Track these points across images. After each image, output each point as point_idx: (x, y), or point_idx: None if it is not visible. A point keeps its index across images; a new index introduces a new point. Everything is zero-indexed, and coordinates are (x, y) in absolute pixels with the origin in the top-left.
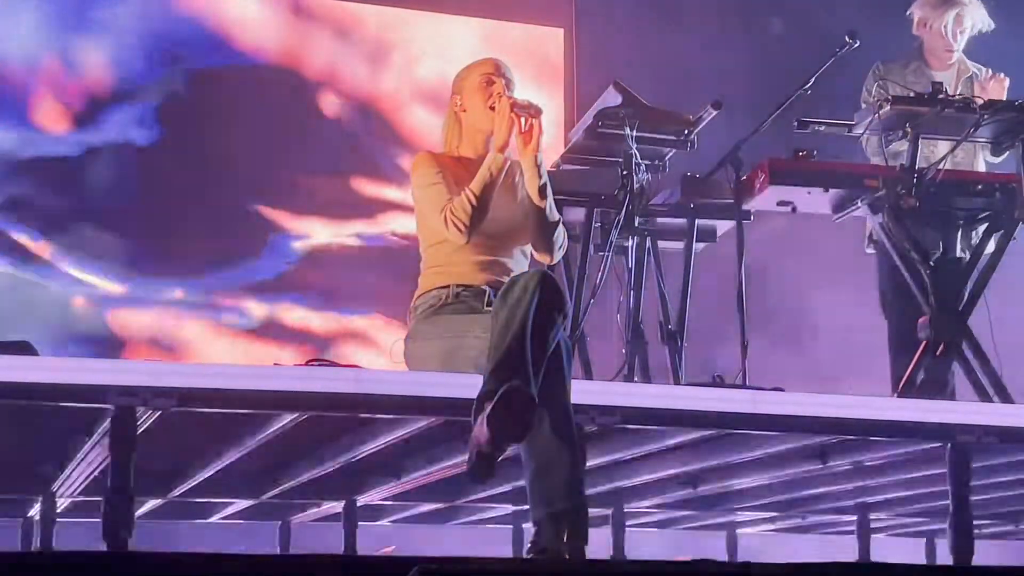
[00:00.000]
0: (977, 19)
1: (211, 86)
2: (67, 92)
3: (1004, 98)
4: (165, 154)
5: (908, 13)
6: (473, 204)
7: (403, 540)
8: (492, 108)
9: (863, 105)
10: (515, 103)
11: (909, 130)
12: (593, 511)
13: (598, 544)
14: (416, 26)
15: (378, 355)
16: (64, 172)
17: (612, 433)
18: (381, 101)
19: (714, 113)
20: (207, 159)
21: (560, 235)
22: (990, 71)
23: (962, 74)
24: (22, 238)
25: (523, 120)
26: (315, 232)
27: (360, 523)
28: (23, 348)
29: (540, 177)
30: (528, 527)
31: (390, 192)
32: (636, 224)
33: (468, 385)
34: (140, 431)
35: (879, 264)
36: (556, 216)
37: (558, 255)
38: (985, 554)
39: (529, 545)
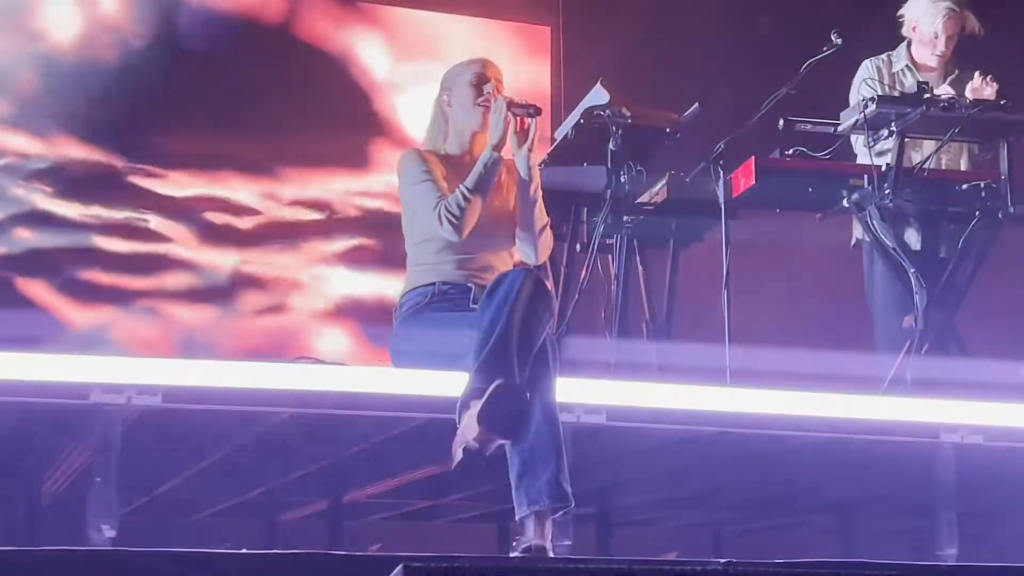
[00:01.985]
0: (967, 24)
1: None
2: None
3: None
4: None
5: (898, 15)
6: (469, 200)
7: (388, 538)
8: (484, 107)
9: (851, 104)
10: (512, 102)
11: (894, 129)
12: (578, 509)
13: (584, 542)
14: (403, 23)
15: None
16: None
17: (597, 431)
18: (365, 94)
19: (700, 111)
20: None
21: (547, 237)
22: (978, 74)
23: (949, 74)
24: None
25: (518, 119)
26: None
27: (345, 521)
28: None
29: (532, 178)
30: (514, 525)
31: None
32: (622, 222)
33: (454, 383)
34: (124, 428)
35: (865, 262)
36: (545, 218)
37: (543, 256)
38: (969, 553)
39: (514, 544)
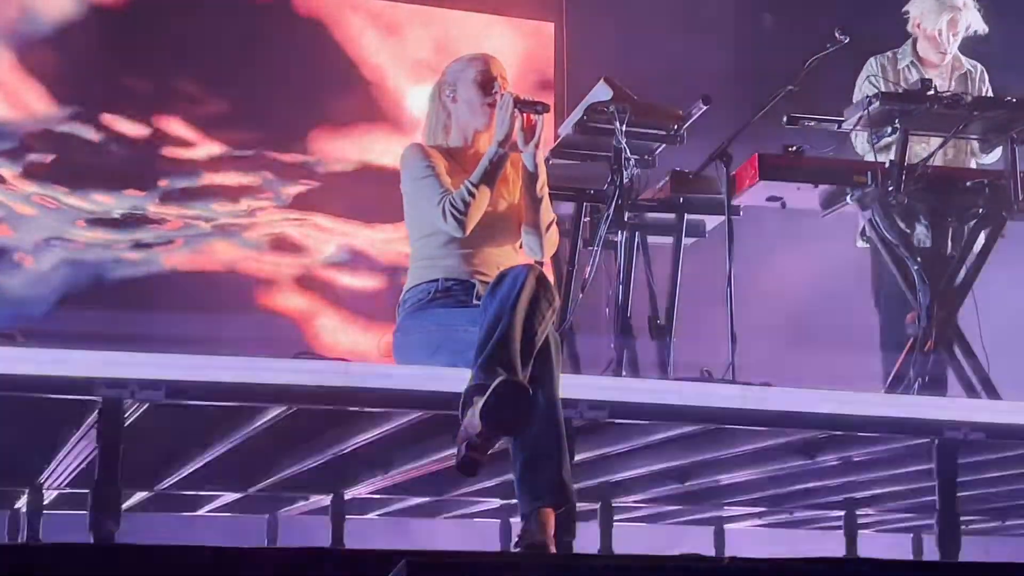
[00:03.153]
0: (971, 21)
1: None
2: None
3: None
4: None
5: (903, 11)
6: (474, 196)
7: (390, 534)
8: (491, 106)
9: (855, 101)
10: (519, 99)
11: (898, 126)
12: (581, 505)
13: (586, 539)
14: (406, 18)
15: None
16: None
17: (600, 427)
18: (365, 86)
19: (704, 108)
20: None
21: (553, 234)
22: (984, 70)
23: (956, 71)
24: None
25: (525, 116)
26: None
27: (347, 517)
28: (8, 339)
29: (540, 175)
30: (516, 521)
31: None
32: (625, 218)
33: (456, 379)
34: (127, 423)
35: (872, 260)
36: (552, 215)
37: (549, 254)
38: (971, 550)
39: (517, 539)
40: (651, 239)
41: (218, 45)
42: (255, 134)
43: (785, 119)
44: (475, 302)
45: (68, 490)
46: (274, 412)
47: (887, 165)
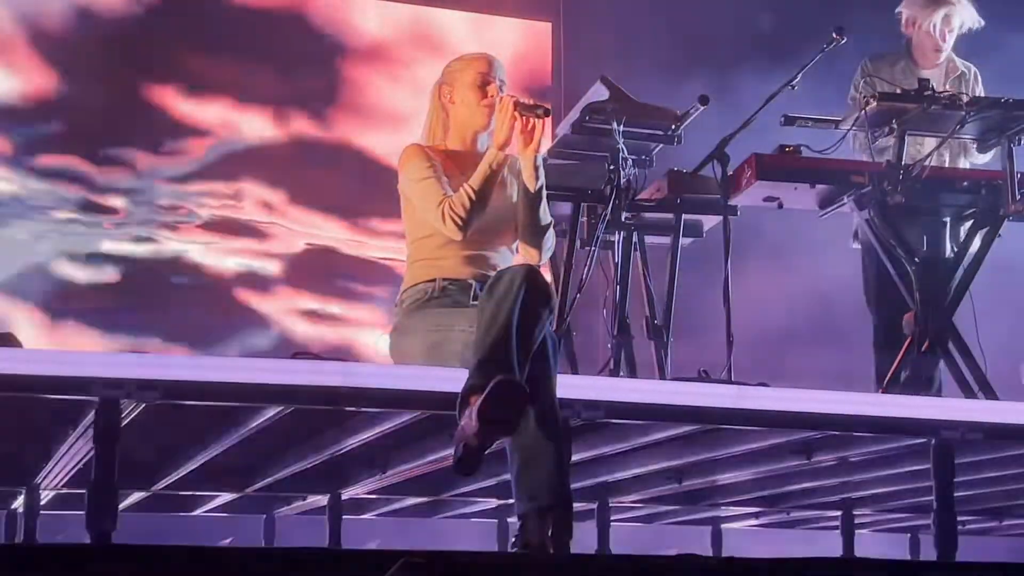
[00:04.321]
0: (966, 18)
1: None
2: None
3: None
4: None
5: (896, 12)
6: (473, 199)
7: (388, 534)
8: (488, 107)
9: (850, 101)
10: (518, 102)
11: (895, 127)
12: (578, 505)
13: (583, 538)
14: (404, 18)
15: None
16: None
17: (597, 427)
18: (365, 88)
19: (701, 108)
20: None
21: (550, 237)
22: (977, 72)
23: (951, 72)
24: None
25: (524, 120)
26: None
27: (345, 516)
28: (6, 339)
29: (538, 178)
30: (513, 521)
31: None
32: (622, 219)
33: (454, 379)
34: (124, 423)
35: (864, 260)
36: (549, 218)
37: (546, 256)
38: (968, 550)
39: (514, 539)
40: (648, 239)
41: (216, 41)
42: (249, 130)
43: (782, 119)
44: (472, 302)
45: (65, 490)
46: (271, 412)
47: (884, 165)
